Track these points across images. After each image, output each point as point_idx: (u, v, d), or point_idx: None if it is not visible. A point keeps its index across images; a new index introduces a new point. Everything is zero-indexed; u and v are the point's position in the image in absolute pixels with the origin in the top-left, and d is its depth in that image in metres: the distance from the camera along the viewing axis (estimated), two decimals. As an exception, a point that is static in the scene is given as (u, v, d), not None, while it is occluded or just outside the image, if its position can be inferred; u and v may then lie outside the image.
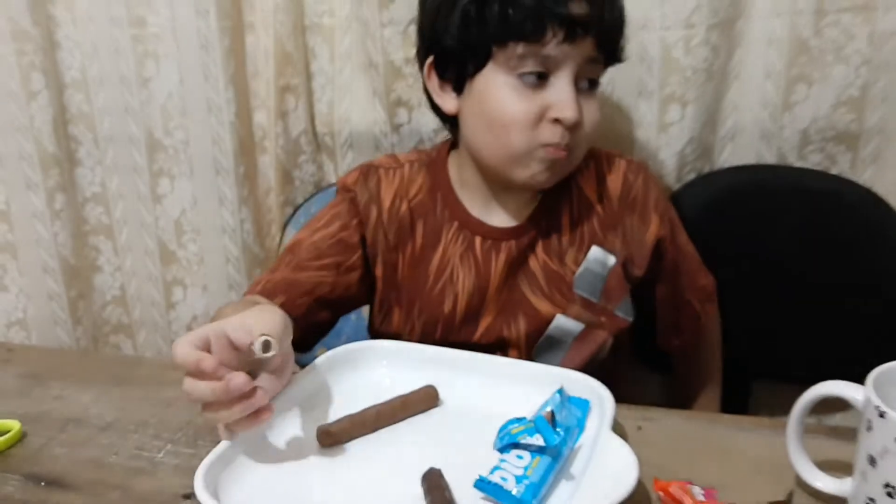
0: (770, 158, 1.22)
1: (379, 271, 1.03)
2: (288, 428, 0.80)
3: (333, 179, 1.40)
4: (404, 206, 1.03)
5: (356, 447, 0.79)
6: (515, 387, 0.84)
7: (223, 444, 0.73)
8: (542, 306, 1.00)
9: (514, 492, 0.68)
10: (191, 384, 0.71)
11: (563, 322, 1.00)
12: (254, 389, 0.70)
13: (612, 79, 1.21)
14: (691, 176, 1.25)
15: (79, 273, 1.50)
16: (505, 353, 0.98)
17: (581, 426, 0.77)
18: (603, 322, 1.02)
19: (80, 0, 1.35)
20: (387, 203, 1.02)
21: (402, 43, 1.26)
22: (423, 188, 1.03)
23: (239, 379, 0.68)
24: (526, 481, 0.69)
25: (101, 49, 1.37)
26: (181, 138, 1.39)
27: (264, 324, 0.76)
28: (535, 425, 0.72)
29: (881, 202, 1.18)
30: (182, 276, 1.49)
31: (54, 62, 1.39)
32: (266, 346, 0.70)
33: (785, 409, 0.72)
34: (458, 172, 1.03)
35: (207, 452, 0.72)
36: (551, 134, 0.91)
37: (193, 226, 1.45)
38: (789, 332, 1.22)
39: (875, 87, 1.15)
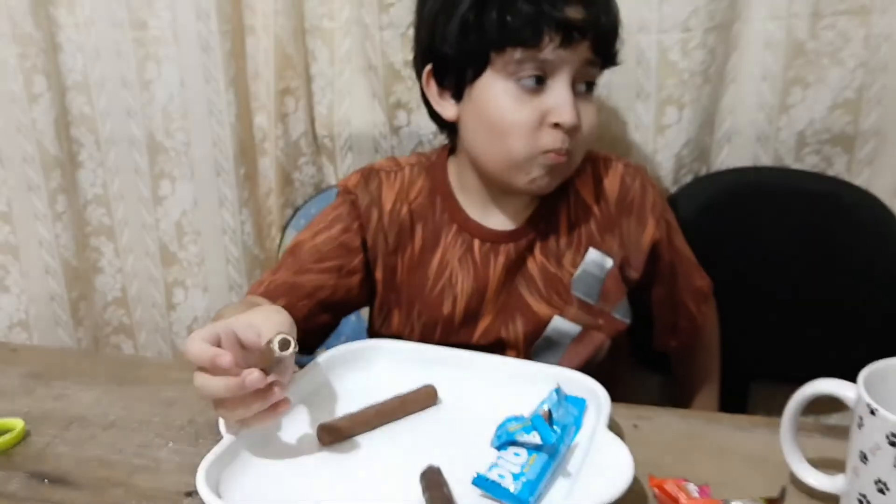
0: (767, 160, 1.22)
1: (379, 274, 1.04)
2: (289, 426, 0.81)
3: (333, 181, 1.40)
4: (404, 209, 1.03)
5: (356, 445, 0.80)
6: (513, 386, 0.85)
7: (225, 442, 0.74)
8: (540, 308, 1.01)
9: (511, 489, 0.69)
10: (204, 380, 0.71)
11: (561, 324, 1.01)
12: (269, 385, 0.71)
13: (610, 81, 1.21)
14: (688, 178, 1.26)
15: (80, 274, 1.51)
16: (503, 355, 0.98)
17: (578, 424, 0.78)
18: (600, 324, 1.03)
19: (83, 3, 1.35)
20: (387, 206, 1.03)
21: (401, 46, 1.27)
22: (423, 191, 1.04)
23: (255, 375, 0.69)
24: (523, 478, 0.70)
25: (102, 52, 1.38)
26: (182, 140, 1.40)
27: (271, 324, 0.76)
28: (532, 423, 0.73)
29: (878, 204, 1.18)
30: (183, 277, 1.49)
31: (56, 65, 1.39)
32: (284, 345, 0.70)
33: (783, 410, 0.73)
34: (458, 176, 1.04)
35: (209, 450, 0.72)
36: (552, 139, 0.92)
37: (194, 227, 1.45)
38: (787, 333, 1.22)
39: (871, 90, 1.16)
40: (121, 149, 1.44)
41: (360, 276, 1.03)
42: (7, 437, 0.86)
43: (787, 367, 1.23)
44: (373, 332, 1.08)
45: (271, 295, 0.97)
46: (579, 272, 1.01)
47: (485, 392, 0.86)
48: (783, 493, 0.69)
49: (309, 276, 0.99)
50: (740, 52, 1.19)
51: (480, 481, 0.71)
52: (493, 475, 0.70)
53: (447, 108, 0.99)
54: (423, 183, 1.04)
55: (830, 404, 0.71)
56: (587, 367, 1.00)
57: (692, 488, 0.70)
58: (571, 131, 0.92)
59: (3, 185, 1.45)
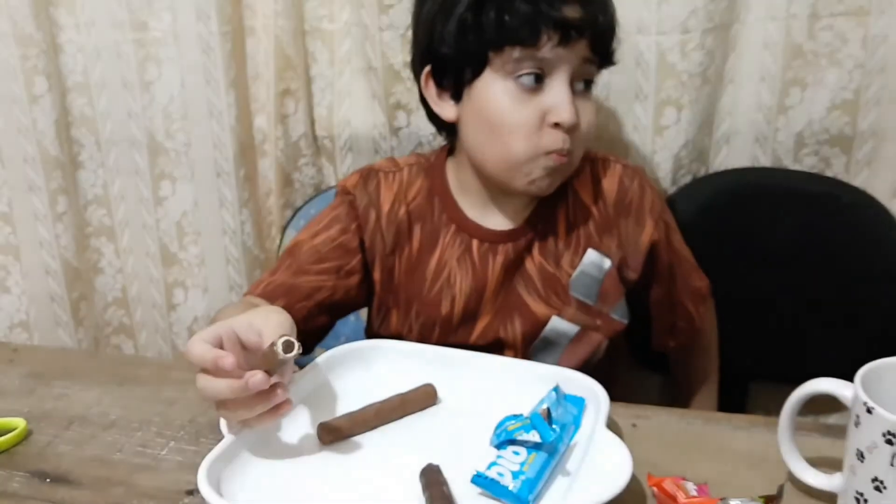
0: (765, 161, 1.23)
1: (377, 275, 1.04)
2: (289, 425, 0.82)
3: (333, 182, 1.41)
4: (402, 210, 1.03)
5: (356, 444, 0.80)
6: (512, 385, 0.86)
7: (226, 441, 0.74)
8: (539, 308, 1.01)
9: (510, 487, 0.69)
10: (207, 382, 0.71)
11: (559, 324, 1.01)
12: (272, 387, 0.71)
13: (609, 83, 1.22)
14: (687, 179, 1.26)
15: (81, 275, 1.51)
16: (501, 355, 0.98)
17: (577, 423, 0.78)
18: (598, 325, 1.03)
19: (84, 5, 1.36)
20: (386, 207, 1.03)
21: (400, 47, 1.27)
22: (422, 191, 1.04)
23: (258, 377, 0.69)
24: (522, 477, 0.70)
25: (103, 53, 1.38)
26: (182, 141, 1.40)
27: (271, 324, 0.77)
28: (531, 422, 0.73)
29: (876, 204, 1.19)
30: (183, 277, 1.49)
31: (57, 66, 1.40)
32: (288, 347, 0.70)
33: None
34: (456, 177, 1.04)
35: (210, 449, 0.73)
36: (553, 140, 0.92)
37: (194, 228, 1.45)
38: (786, 334, 1.23)
39: (869, 91, 1.16)
40: (121, 150, 1.44)
41: (359, 277, 1.03)
42: (8, 436, 0.86)
43: (785, 368, 1.23)
44: (371, 333, 1.08)
45: (269, 296, 0.97)
46: (578, 273, 1.02)
47: (484, 391, 0.86)
48: (781, 491, 0.69)
49: (307, 278, 0.99)
50: (739, 53, 1.19)
51: (479, 479, 0.71)
52: (492, 473, 0.71)
53: (446, 109, 0.99)
54: (421, 183, 1.05)
55: (829, 404, 0.71)
56: (585, 368, 0.99)
57: (690, 487, 0.70)
58: (571, 130, 0.92)
59: (3, 185, 1.45)
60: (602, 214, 1.03)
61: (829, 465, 0.73)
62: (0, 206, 1.47)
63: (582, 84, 0.94)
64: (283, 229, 1.41)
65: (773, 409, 0.74)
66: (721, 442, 0.82)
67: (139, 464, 0.82)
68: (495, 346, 1.02)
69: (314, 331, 1.01)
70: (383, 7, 1.26)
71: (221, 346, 0.72)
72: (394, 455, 0.79)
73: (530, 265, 1.02)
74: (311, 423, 0.82)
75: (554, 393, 0.77)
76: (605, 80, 1.21)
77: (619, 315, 1.05)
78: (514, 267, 1.02)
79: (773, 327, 1.23)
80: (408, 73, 1.27)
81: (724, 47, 1.19)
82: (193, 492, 0.75)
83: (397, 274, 1.04)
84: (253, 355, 0.73)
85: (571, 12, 0.90)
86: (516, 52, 0.90)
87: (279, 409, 0.73)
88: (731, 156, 1.24)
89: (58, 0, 1.36)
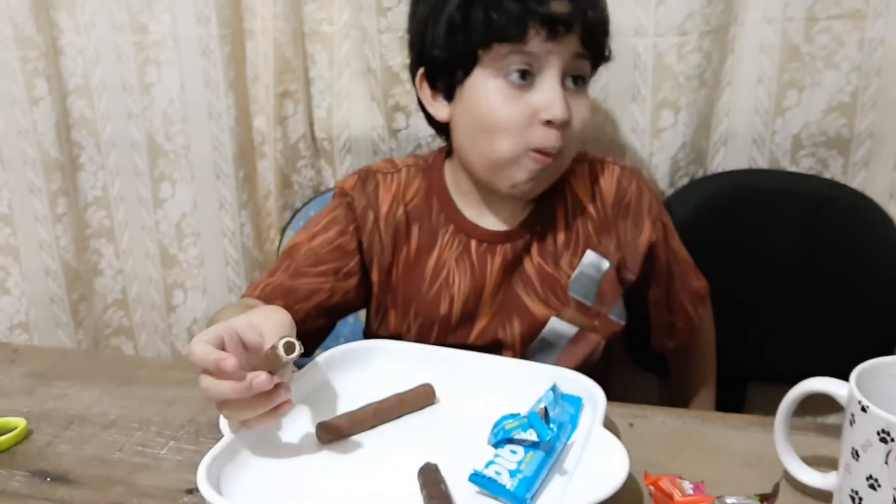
0: (762, 163, 1.23)
1: (375, 276, 1.04)
2: (289, 425, 0.82)
3: (332, 184, 1.41)
4: (401, 210, 1.04)
5: (355, 443, 0.81)
6: (510, 384, 0.86)
7: (225, 440, 0.75)
8: (537, 309, 1.01)
9: (507, 485, 0.69)
10: (210, 383, 0.71)
11: (558, 325, 1.02)
12: (274, 387, 0.71)
13: (606, 84, 1.22)
14: (684, 181, 1.27)
15: (80, 276, 1.51)
16: (500, 355, 0.99)
17: (574, 422, 0.79)
18: (596, 326, 1.03)
19: (84, 7, 1.36)
20: (384, 209, 1.03)
21: (399, 49, 1.27)
22: (420, 192, 1.05)
23: (262, 378, 0.69)
24: (519, 475, 0.70)
25: (103, 55, 1.38)
26: (182, 143, 1.40)
27: (271, 323, 0.77)
28: (528, 421, 0.74)
29: (873, 206, 1.19)
30: (182, 279, 1.50)
31: (57, 68, 1.40)
32: (289, 348, 0.70)
33: (779, 411, 0.74)
34: (454, 178, 1.04)
35: (209, 449, 0.73)
36: (544, 137, 0.92)
37: (194, 230, 1.46)
38: (783, 335, 1.23)
39: (866, 93, 1.17)
40: (121, 151, 1.44)
41: (357, 279, 1.03)
42: (9, 436, 0.86)
43: (783, 369, 1.23)
44: (370, 333, 1.08)
45: (268, 298, 0.97)
46: (576, 274, 1.02)
47: (482, 391, 0.86)
48: (777, 489, 0.70)
49: (305, 280, 0.99)
50: (736, 55, 1.20)
51: (477, 478, 0.71)
52: (489, 472, 0.71)
53: (440, 110, 1.00)
54: (419, 184, 1.05)
55: (825, 405, 0.71)
56: (582, 368, 1.00)
57: (687, 485, 0.70)
58: (563, 127, 0.92)
59: (3, 187, 1.46)
60: (600, 215, 1.03)
61: (825, 463, 0.73)
62: (0, 208, 1.47)
63: (574, 80, 0.94)
64: (283, 231, 1.41)
65: (771, 410, 0.74)
66: (717, 441, 0.82)
67: (139, 463, 0.82)
68: (494, 347, 1.02)
69: (313, 332, 1.01)
70: (382, 10, 1.26)
71: (223, 347, 0.72)
72: (392, 454, 0.79)
73: (529, 266, 1.02)
74: (311, 423, 0.82)
75: (551, 392, 0.77)
76: (603, 81, 1.22)
77: (616, 316, 1.05)
78: (512, 267, 1.02)
79: (770, 328, 1.23)
80: (406, 76, 1.28)
81: (722, 50, 1.20)
82: (193, 491, 0.76)
83: (395, 274, 1.04)
84: (254, 355, 0.73)
85: (559, 7, 0.90)
86: (504, 49, 0.91)
87: (280, 409, 0.73)
88: (728, 158, 1.25)
89: (58, 3, 1.37)
